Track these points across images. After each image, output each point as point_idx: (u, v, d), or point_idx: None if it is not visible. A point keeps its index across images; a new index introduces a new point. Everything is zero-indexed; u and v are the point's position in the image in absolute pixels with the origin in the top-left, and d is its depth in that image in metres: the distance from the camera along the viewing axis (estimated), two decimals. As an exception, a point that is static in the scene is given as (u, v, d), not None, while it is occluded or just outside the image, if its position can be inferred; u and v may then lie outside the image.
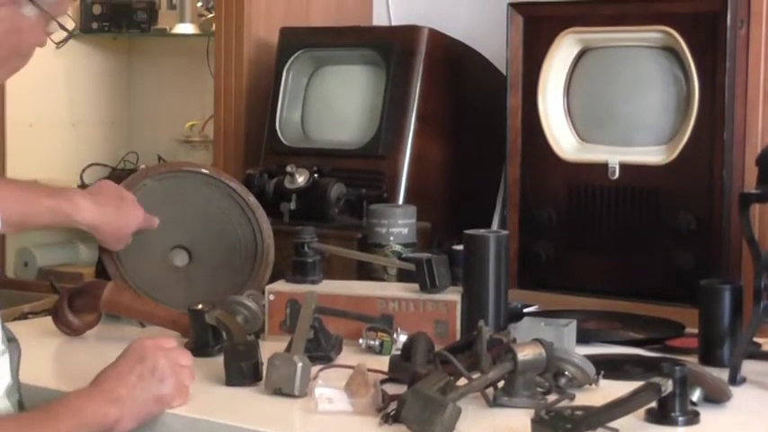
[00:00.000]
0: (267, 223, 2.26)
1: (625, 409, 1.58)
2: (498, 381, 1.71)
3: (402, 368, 1.80)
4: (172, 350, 1.69)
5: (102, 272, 2.24)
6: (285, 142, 2.71)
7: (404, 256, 2.25)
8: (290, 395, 1.74)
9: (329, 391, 1.71)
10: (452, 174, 2.67)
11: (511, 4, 2.46)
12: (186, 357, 1.71)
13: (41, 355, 2.02)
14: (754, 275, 1.89)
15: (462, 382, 1.68)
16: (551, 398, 1.72)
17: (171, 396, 1.67)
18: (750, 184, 2.12)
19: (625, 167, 2.34)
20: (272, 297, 2.11)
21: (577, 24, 2.39)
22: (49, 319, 2.18)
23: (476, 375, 1.69)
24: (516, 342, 1.77)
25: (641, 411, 1.63)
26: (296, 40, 2.76)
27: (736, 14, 2.21)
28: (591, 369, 1.78)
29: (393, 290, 2.12)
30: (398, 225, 2.30)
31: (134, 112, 3.76)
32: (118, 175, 3.48)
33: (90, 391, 1.62)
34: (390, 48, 2.60)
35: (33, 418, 1.58)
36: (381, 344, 2.00)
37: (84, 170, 3.58)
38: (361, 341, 2.01)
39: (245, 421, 1.65)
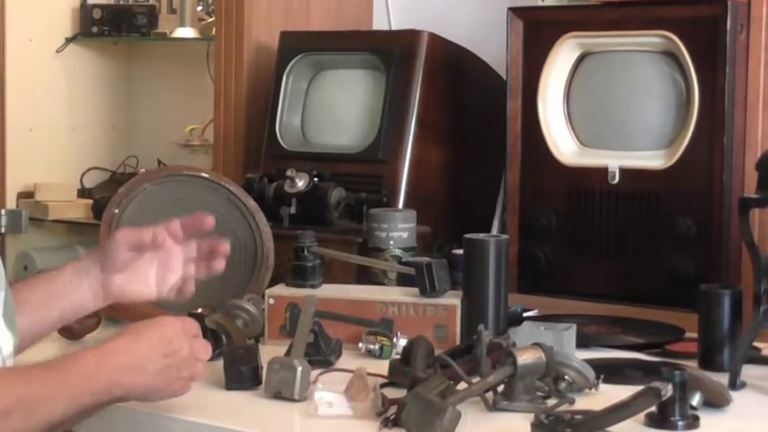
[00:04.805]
0: (267, 227, 2.26)
1: (625, 414, 1.58)
2: (498, 385, 1.71)
3: (402, 372, 1.80)
4: (196, 340, 1.66)
5: (101, 276, 2.24)
6: (285, 146, 2.71)
7: (404, 260, 2.25)
8: (290, 399, 1.74)
9: (329, 395, 1.71)
10: (452, 178, 2.67)
11: (511, 9, 2.46)
12: (206, 351, 1.67)
13: (41, 359, 2.01)
14: (754, 280, 1.89)
15: (462, 386, 1.68)
16: (551, 402, 1.72)
17: (179, 389, 1.63)
18: (750, 188, 2.12)
19: (625, 172, 2.34)
20: (271, 301, 2.11)
21: (577, 29, 2.39)
22: (48, 322, 2.17)
23: (475, 379, 1.69)
24: (516, 346, 1.77)
25: (641, 416, 1.63)
26: (296, 45, 2.76)
27: (736, 19, 2.22)
28: (591, 373, 1.78)
29: (393, 294, 2.12)
30: (398, 229, 2.30)
31: (134, 115, 3.76)
32: (117, 179, 3.49)
33: (114, 356, 1.57)
34: (390, 52, 2.60)
35: (39, 377, 1.52)
36: (381, 348, 2.00)
37: (83, 174, 3.59)
38: (360, 345, 2.01)
39: (244, 425, 1.65)
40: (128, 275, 1.80)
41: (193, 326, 1.69)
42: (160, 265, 1.81)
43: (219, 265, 1.83)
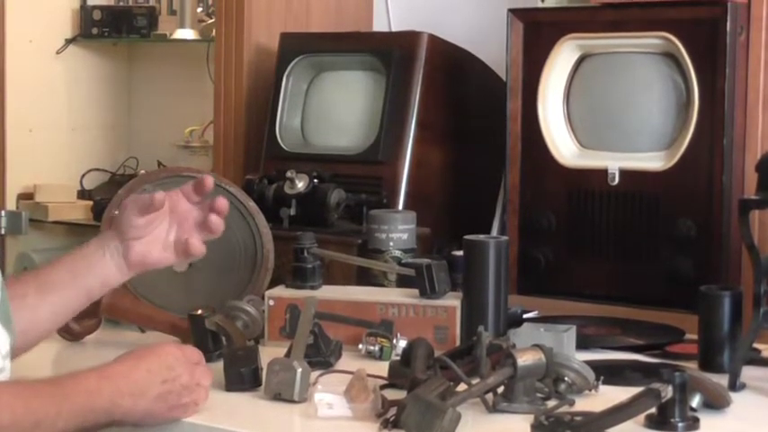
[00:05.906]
0: (267, 228, 2.26)
1: (625, 415, 1.58)
2: (498, 386, 1.70)
3: (402, 374, 1.80)
4: (197, 367, 1.68)
5: (101, 277, 2.23)
6: (285, 148, 2.71)
7: (403, 261, 2.25)
8: (290, 400, 1.74)
9: (329, 396, 1.71)
10: (452, 179, 2.67)
11: (511, 10, 2.46)
12: (208, 377, 1.70)
13: (41, 360, 2.02)
14: (754, 281, 1.89)
15: (462, 387, 1.68)
16: (551, 403, 1.72)
17: (179, 414, 1.66)
18: (750, 190, 2.12)
19: (625, 173, 2.34)
20: (271, 302, 2.11)
21: (577, 30, 2.39)
22: (48, 324, 2.17)
23: (475, 381, 1.69)
24: (516, 347, 1.77)
25: (641, 417, 1.63)
26: (296, 46, 2.76)
27: (736, 20, 2.22)
28: (590, 375, 1.78)
29: (393, 295, 2.12)
30: (398, 231, 2.30)
31: (134, 117, 3.76)
32: (117, 180, 3.49)
33: (114, 379, 1.59)
34: (390, 53, 2.60)
35: (39, 390, 1.54)
36: (381, 349, 2.00)
37: (83, 175, 3.58)
38: (360, 346, 2.01)
39: (244, 427, 1.65)
40: (146, 243, 1.80)
41: (194, 353, 1.71)
42: (178, 229, 1.81)
43: (219, 223, 1.80)
